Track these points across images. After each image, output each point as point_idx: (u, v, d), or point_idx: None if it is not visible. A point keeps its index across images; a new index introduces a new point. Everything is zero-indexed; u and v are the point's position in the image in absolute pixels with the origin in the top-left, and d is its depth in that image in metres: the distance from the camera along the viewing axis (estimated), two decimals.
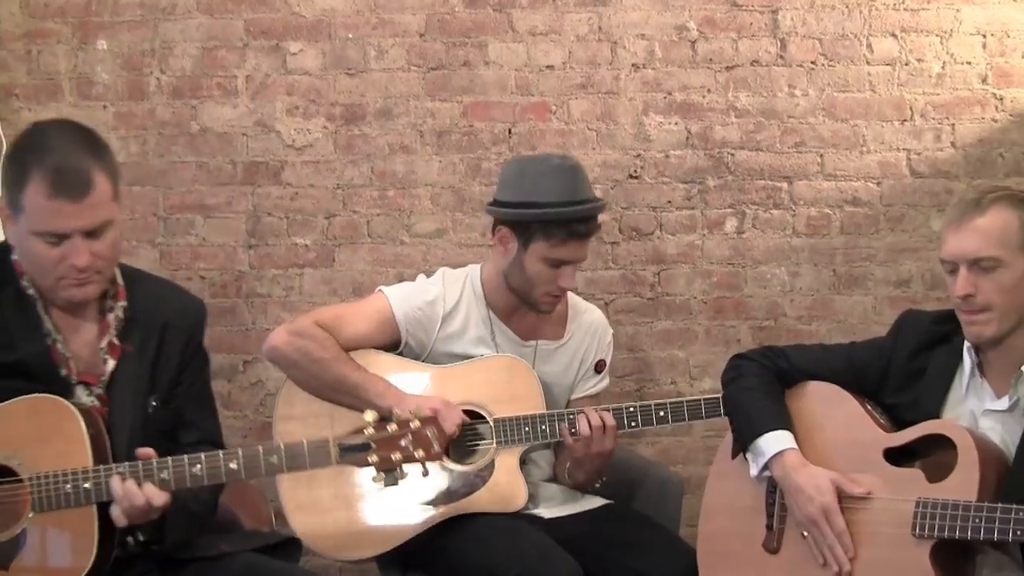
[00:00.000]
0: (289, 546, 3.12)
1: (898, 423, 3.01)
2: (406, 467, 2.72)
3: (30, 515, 2.69)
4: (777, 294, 4.65)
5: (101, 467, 2.70)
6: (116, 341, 2.85)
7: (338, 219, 4.66)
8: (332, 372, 3.42)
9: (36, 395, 2.73)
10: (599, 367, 3.68)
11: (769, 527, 3.10)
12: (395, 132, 4.65)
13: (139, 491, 2.67)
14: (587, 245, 3.51)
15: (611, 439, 3.42)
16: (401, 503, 3.38)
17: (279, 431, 3.49)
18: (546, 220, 3.40)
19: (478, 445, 3.47)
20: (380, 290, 3.59)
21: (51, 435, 2.71)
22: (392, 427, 2.69)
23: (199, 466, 2.72)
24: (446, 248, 4.64)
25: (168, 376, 2.92)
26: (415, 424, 2.70)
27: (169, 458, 2.71)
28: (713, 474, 3.31)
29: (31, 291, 2.79)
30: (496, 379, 3.50)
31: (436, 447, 2.72)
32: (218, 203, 4.67)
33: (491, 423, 3.44)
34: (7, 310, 2.78)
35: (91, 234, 2.69)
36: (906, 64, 4.59)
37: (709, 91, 4.62)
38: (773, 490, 3.10)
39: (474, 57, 4.63)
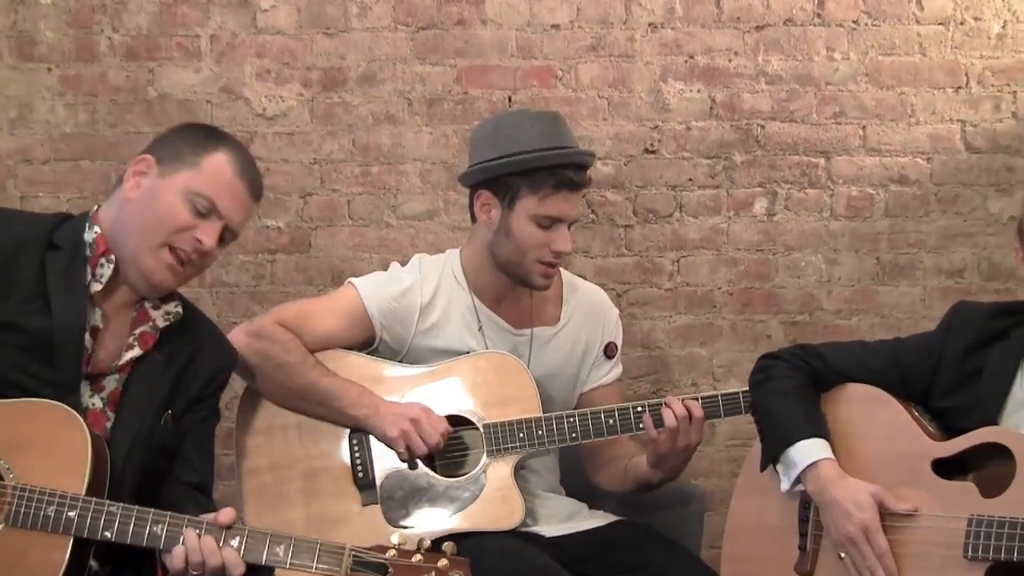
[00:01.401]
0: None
1: (949, 430, 3.01)
2: None
3: (1, 527, 2.71)
4: (812, 285, 4.65)
5: (93, 499, 2.73)
6: (156, 335, 2.96)
7: (315, 198, 4.66)
8: (298, 378, 3.43)
9: (50, 402, 2.78)
10: (610, 351, 3.68)
11: (802, 548, 3.10)
12: (380, 100, 4.64)
13: (218, 551, 2.73)
14: (579, 201, 3.52)
15: (699, 430, 3.40)
16: (383, 524, 3.38)
17: (240, 447, 3.51)
18: (530, 168, 3.41)
19: (467, 455, 3.47)
20: (349, 282, 3.61)
21: (52, 448, 2.75)
22: (417, 558, 2.69)
23: (239, 539, 2.76)
24: (437, 231, 4.63)
25: (187, 398, 3.02)
26: (443, 563, 2.68)
27: (168, 514, 2.76)
28: (739, 489, 3.32)
29: (104, 268, 2.90)
30: (484, 379, 3.50)
31: None
32: None
33: (480, 429, 3.44)
34: (56, 273, 2.89)
35: (224, 234, 2.96)
36: (961, 23, 4.59)
37: (736, 54, 4.62)
38: (807, 506, 3.10)
39: (469, 14, 4.63)
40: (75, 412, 2.76)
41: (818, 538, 3.08)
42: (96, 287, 2.90)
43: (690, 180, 4.63)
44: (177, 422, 3.00)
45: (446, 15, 4.62)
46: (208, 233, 2.90)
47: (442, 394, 3.46)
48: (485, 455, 3.43)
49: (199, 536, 2.73)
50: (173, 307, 3.01)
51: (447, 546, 2.71)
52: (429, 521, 3.38)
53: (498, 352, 3.53)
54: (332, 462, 3.46)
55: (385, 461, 3.43)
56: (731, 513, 3.32)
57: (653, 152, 4.62)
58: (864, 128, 4.61)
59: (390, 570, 2.68)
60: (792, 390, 3.14)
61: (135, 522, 2.73)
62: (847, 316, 4.65)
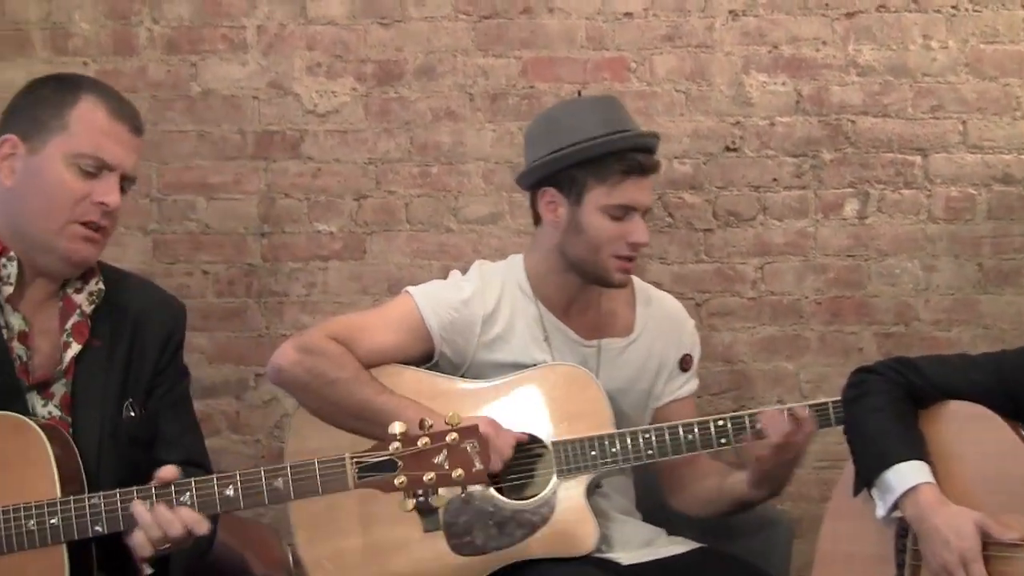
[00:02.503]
0: None
1: None
2: (442, 491, 2.70)
3: None
4: (908, 293, 4.65)
5: (71, 499, 2.73)
6: (87, 322, 2.94)
7: (370, 201, 4.70)
8: (351, 396, 3.41)
9: None
10: (685, 363, 3.70)
11: None
12: (439, 95, 4.68)
13: (174, 517, 2.72)
14: (650, 187, 3.53)
15: (807, 441, 3.41)
16: (443, 552, 3.40)
17: None
18: (596, 155, 3.43)
19: (534, 476, 3.49)
20: (406, 291, 3.61)
21: (11, 461, 2.75)
22: (423, 440, 2.67)
23: (188, 494, 2.75)
24: (502, 236, 4.67)
25: (144, 379, 3.01)
26: (452, 437, 2.67)
27: (152, 485, 2.75)
28: (830, 514, 3.33)
29: (7, 267, 2.88)
30: (552, 393, 3.51)
31: (478, 464, 2.68)
32: (224, 182, 4.73)
33: (550, 447, 3.46)
34: None
35: (122, 183, 2.91)
36: None
37: (824, 43, 4.62)
38: (904, 534, 3.10)
39: (535, 2, 4.65)
40: (20, 415, 2.76)
41: (916, 568, 3.08)
42: (7, 290, 2.87)
43: (774, 180, 4.65)
44: (142, 408, 2.98)
45: (510, 3, 4.65)
46: (107, 191, 2.86)
47: (506, 410, 3.46)
48: (555, 475, 3.43)
49: (150, 508, 2.72)
50: (95, 285, 2.98)
51: (451, 417, 2.69)
52: (494, 548, 3.39)
53: (566, 364, 3.54)
54: None
55: None
56: (821, 541, 3.32)
57: (734, 150, 4.64)
58: (964, 123, 4.61)
59: (400, 463, 2.66)
60: (889, 407, 3.14)
61: (122, 506, 2.72)
62: (946, 327, 4.64)
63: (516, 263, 3.67)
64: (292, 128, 4.68)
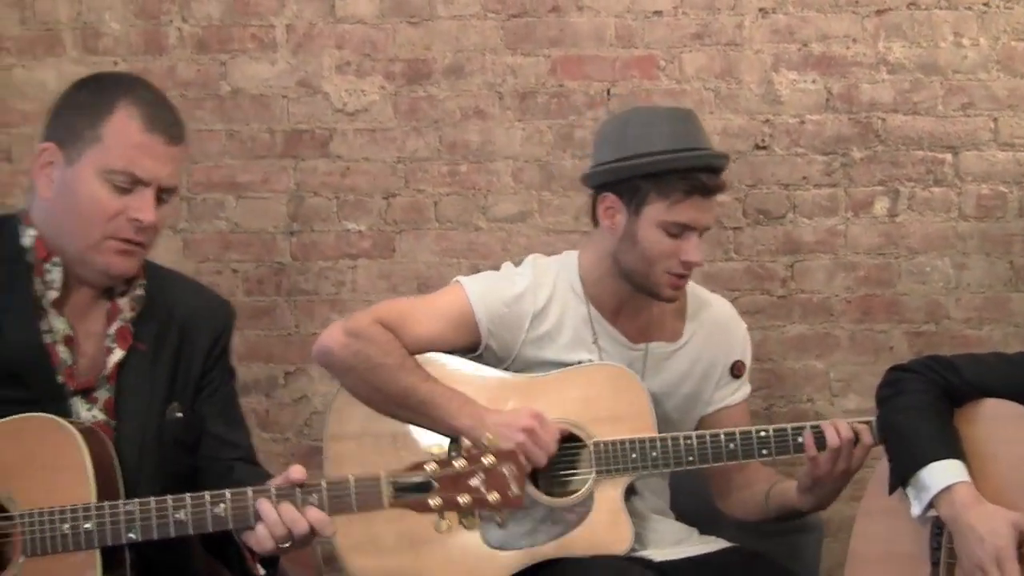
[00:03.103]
0: None
1: None
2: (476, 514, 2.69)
3: (21, 560, 2.70)
4: (939, 291, 4.64)
5: (106, 504, 2.71)
6: (130, 327, 2.91)
7: (399, 200, 4.71)
8: (396, 382, 3.42)
9: (26, 414, 2.75)
10: (736, 370, 3.67)
11: None
12: (468, 93, 4.69)
13: (301, 516, 2.68)
14: (713, 208, 3.48)
15: (862, 456, 3.39)
16: (479, 546, 3.38)
17: (331, 454, 3.52)
18: (661, 171, 3.39)
19: (574, 474, 3.48)
20: (457, 281, 3.58)
21: (47, 464, 2.73)
22: (460, 463, 2.64)
23: (222, 506, 2.71)
24: (530, 234, 4.67)
25: (191, 381, 2.99)
26: (489, 460, 2.64)
27: (188, 496, 2.71)
28: (862, 513, 3.31)
29: (52, 272, 2.85)
30: (595, 393, 3.49)
31: (514, 489, 2.65)
32: (253, 180, 4.74)
33: (590, 447, 3.45)
34: None
35: (160, 195, 2.82)
36: None
37: (854, 41, 4.62)
38: (939, 533, 3.08)
39: (564, 1, 4.66)
40: (58, 417, 2.73)
41: (952, 567, 3.06)
42: (52, 295, 2.84)
43: (804, 178, 4.64)
44: (188, 412, 2.96)
45: (539, 2, 4.65)
46: (142, 208, 2.78)
47: (548, 405, 3.42)
48: (594, 475, 3.43)
49: (275, 505, 2.68)
50: (137, 290, 2.94)
51: (488, 439, 2.67)
52: (529, 544, 3.39)
53: (612, 364, 3.52)
54: None
55: None
56: (854, 540, 3.30)
57: (764, 148, 4.64)
58: (995, 120, 4.60)
59: (435, 484, 2.63)
60: (925, 406, 3.12)
61: (156, 514, 2.69)
62: (977, 325, 4.63)
63: (570, 261, 3.63)
64: (321, 127, 4.69)
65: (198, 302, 3.08)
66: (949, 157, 4.60)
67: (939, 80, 4.59)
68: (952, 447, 3.06)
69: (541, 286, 3.55)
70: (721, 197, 3.52)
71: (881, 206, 4.62)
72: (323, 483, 2.71)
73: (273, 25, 4.70)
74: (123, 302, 2.92)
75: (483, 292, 3.53)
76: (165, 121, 2.83)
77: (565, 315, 3.55)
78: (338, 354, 3.44)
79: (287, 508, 2.68)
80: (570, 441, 3.44)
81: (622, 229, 3.46)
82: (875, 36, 4.59)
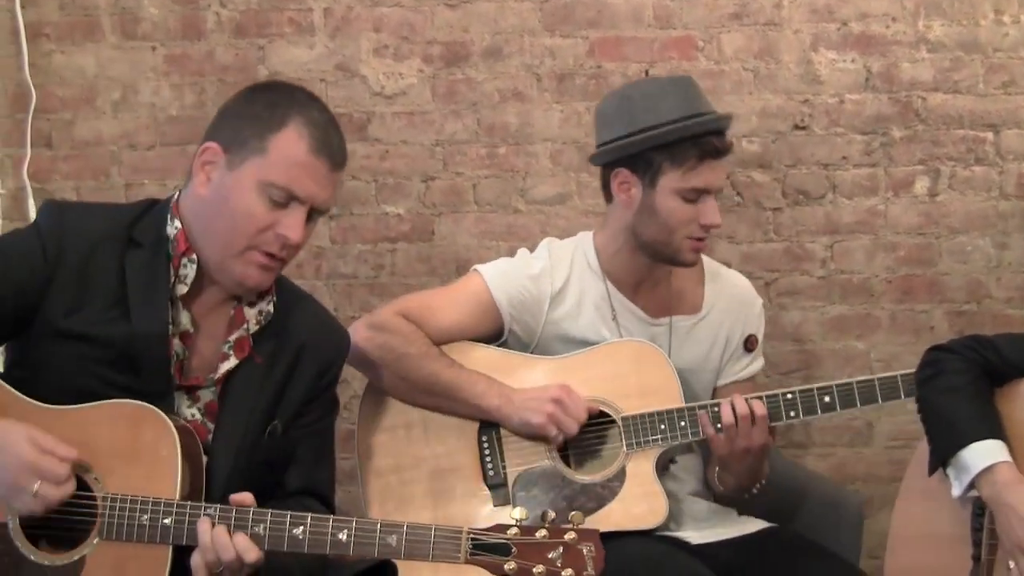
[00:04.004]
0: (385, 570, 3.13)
1: None
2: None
3: (95, 541, 2.74)
4: (980, 271, 4.62)
5: (188, 504, 2.74)
6: (251, 339, 2.94)
7: (437, 183, 4.71)
8: (420, 370, 3.47)
9: (130, 401, 2.79)
10: (749, 344, 3.69)
11: (976, 558, 3.09)
12: (506, 76, 4.68)
13: (229, 542, 2.69)
14: (725, 168, 3.54)
15: (761, 431, 3.41)
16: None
17: (363, 447, 3.55)
18: (672, 141, 3.43)
19: (603, 450, 3.49)
20: (475, 270, 3.64)
21: (141, 453, 2.77)
22: (541, 533, 2.65)
23: (301, 528, 2.72)
24: (569, 216, 4.66)
25: (295, 403, 3.01)
26: (570, 536, 2.64)
27: (269, 510, 2.74)
28: (903, 494, 3.31)
29: (187, 268, 2.88)
30: (621, 369, 3.52)
31: (590, 570, 2.63)
32: None
33: (619, 422, 3.46)
34: (136, 275, 2.88)
35: (311, 214, 2.88)
36: None
37: (894, 19, 4.58)
38: (980, 513, 3.09)
39: None
40: (160, 411, 2.76)
41: (993, 548, 3.06)
42: (182, 289, 2.88)
43: (844, 158, 4.61)
44: (285, 432, 2.99)
45: None
46: (292, 226, 2.82)
47: (576, 385, 3.46)
48: (624, 449, 3.45)
49: (212, 525, 2.69)
50: (266, 305, 2.97)
51: (574, 516, 2.66)
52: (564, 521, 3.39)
53: (636, 340, 3.55)
54: (460, 461, 3.50)
55: (517, 459, 3.47)
56: (894, 521, 3.30)
57: (803, 128, 4.61)
58: None
59: (513, 550, 2.63)
60: (965, 386, 3.11)
61: (236, 523, 2.70)
62: (1019, 305, 4.60)
63: (585, 240, 3.68)
64: (359, 110, 4.68)
65: (319, 328, 3.12)
66: (990, 136, 4.57)
67: (980, 58, 4.56)
68: (993, 427, 3.06)
69: (558, 267, 3.59)
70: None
71: (921, 185, 4.59)
72: (405, 526, 2.71)
73: (311, 9, 4.70)
74: (250, 312, 2.96)
75: (501, 277, 3.58)
76: (332, 146, 2.87)
77: (584, 294, 3.59)
78: (363, 348, 3.48)
79: (220, 532, 2.69)
80: (600, 418, 3.46)
81: (639, 202, 3.50)
82: (915, 14, 4.56)
